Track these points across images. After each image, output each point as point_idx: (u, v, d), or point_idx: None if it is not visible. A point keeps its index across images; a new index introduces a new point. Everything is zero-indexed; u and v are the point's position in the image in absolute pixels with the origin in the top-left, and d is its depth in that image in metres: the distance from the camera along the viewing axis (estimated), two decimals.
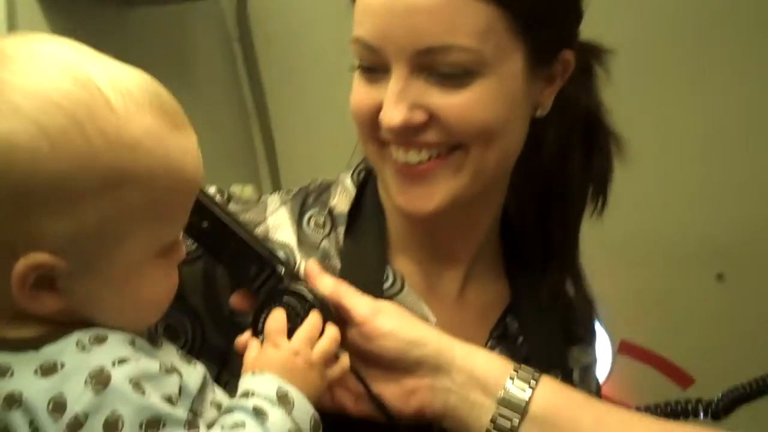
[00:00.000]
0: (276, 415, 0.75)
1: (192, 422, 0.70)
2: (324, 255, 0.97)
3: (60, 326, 0.70)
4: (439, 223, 0.97)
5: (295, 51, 2.35)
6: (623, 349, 2.28)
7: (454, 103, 0.89)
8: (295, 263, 0.96)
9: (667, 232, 2.23)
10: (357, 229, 1.00)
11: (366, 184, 1.03)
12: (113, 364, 0.68)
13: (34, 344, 0.69)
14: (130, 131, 0.68)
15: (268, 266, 0.90)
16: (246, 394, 0.76)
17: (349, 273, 0.95)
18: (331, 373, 0.83)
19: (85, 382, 0.66)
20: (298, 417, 0.76)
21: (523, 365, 0.89)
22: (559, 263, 1.08)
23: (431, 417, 0.89)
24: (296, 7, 2.30)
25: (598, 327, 1.16)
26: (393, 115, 0.88)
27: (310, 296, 0.87)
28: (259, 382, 0.77)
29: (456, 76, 0.88)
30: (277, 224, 0.98)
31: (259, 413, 0.74)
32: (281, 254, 0.92)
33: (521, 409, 0.85)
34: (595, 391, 1.13)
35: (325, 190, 1.03)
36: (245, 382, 0.78)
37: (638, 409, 1.61)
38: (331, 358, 0.85)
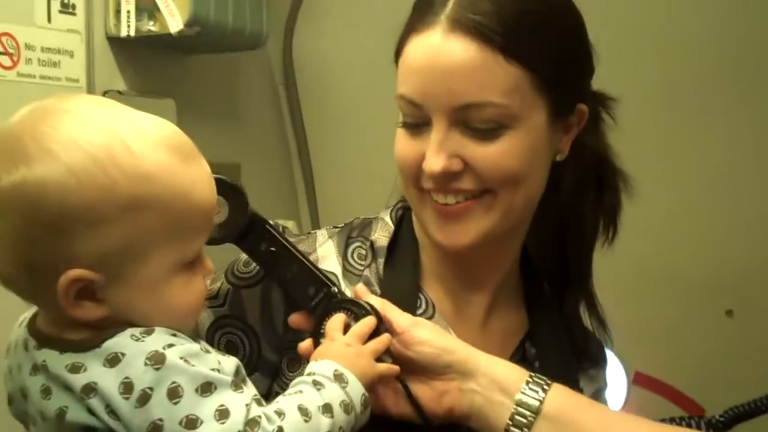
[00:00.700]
0: (332, 388, 0.86)
1: (236, 384, 0.81)
2: (366, 283, 1.05)
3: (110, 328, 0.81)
4: (469, 256, 1.04)
5: (334, 96, 2.45)
6: (638, 380, 2.28)
7: (487, 154, 0.97)
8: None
9: (678, 269, 2.24)
10: (394, 261, 1.08)
11: (403, 220, 1.11)
12: (164, 347, 0.79)
13: (95, 342, 0.80)
14: (144, 166, 0.79)
15: (325, 287, 0.99)
16: (308, 374, 0.87)
17: (387, 299, 1.01)
18: (380, 368, 0.92)
19: (145, 363, 0.77)
20: (351, 393, 0.86)
21: (537, 374, 0.98)
22: (574, 290, 1.16)
23: (459, 416, 0.98)
24: (336, 56, 2.41)
25: (613, 357, 1.23)
26: (434, 163, 0.97)
27: (365, 304, 0.97)
28: (319, 365, 0.88)
29: (488, 129, 0.97)
30: (325, 255, 1.07)
31: (317, 384, 0.85)
32: (333, 278, 1.02)
33: (535, 409, 0.95)
34: None
35: (367, 225, 1.11)
36: (307, 368, 0.89)
37: None
38: (380, 358, 0.95)
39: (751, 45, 2.16)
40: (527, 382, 0.97)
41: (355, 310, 0.97)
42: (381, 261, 1.07)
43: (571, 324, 1.16)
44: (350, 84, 2.42)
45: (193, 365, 0.79)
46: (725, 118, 2.20)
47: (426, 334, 0.98)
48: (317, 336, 0.96)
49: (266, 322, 1.03)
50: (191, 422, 0.77)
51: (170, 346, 0.79)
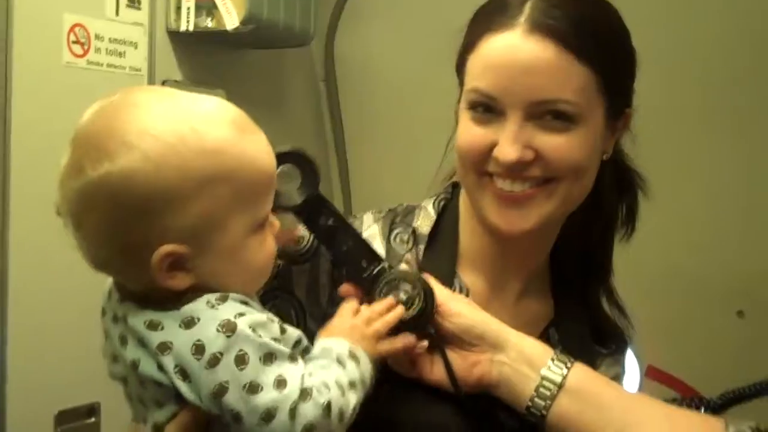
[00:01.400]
0: (351, 366, 0.92)
1: (293, 356, 0.87)
2: (414, 263, 1.12)
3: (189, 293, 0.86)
4: (516, 242, 1.10)
5: (372, 94, 2.53)
6: (650, 373, 2.29)
7: (557, 144, 1.04)
8: None
9: (691, 270, 2.28)
10: (434, 248, 1.14)
11: (445, 211, 1.17)
12: (235, 316, 0.84)
13: (176, 305, 0.86)
14: (210, 142, 0.85)
15: (377, 261, 1.05)
16: (327, 349, 0.93)
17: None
18: (386, 345, 0.98)
19: (217, 330, 0.83)
20: (364, 371, 0.93)
21: (561, 352, 1.04)
22: (597, 280, 1.22)
23: (487, 385, 1.03)
24: (377, 55, 2.51)
25: (631, 346, 1.25)
26: (509, 152, 1.03)
27: (414, 277, 1.03)
28: (335, 342, 0.94)
29: (559, 123, 1.03)
30: (370, 237, 1.13)
31: (340, 362, 0.91)
32: (382, 254, 1.09)
33: (559, 383, 1.00)
34: None
35: (410, 212, 1.18)
36: (325, 342, 0.94)
37: None
38: (422, 327, 1.01)
39: None
40: (552, 359, 1.03)
41: (405, 284, 1.03)
42: (421, 247, 1.14)
43: (594, 312, 1.22)
44: (389, 82, 2.50)
45: (259, 335, 0.85)
46: (741, 121, 2.24)
47: (462, 308, 1.05)
48: (372, 298, 1.03)
49: (312, 296, 1.10)
50: (253, 387, 0.83)
51: (241, 315, 0.85)
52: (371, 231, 1.16)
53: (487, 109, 1.05)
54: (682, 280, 2.31)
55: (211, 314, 0.85)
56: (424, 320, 1.03)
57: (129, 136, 0.83)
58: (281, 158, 1.01)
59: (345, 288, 1.05)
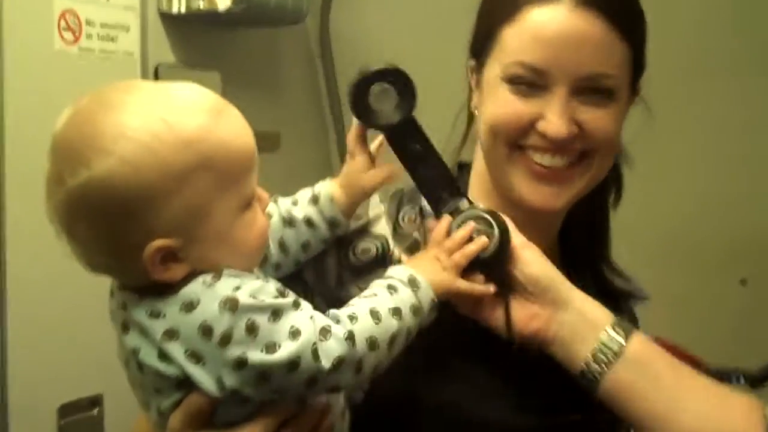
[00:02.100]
0: (404, 291, 0.94)
1: (296, 302, 0.89)
2: (415, 243, 1.12)
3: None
4: (538, 217, 1.11)
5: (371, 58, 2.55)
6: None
7: (599, 118, 1.06)
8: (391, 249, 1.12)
9: (695, 239, 2.31)
10: None
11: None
12: (233, 290, 0.86)
13: (173, 290, 0.87)
14: (186, 134, 0.85)
15: (459, 194, 1.06)
16: (385, 278, 0.96)
17: None
18: (460, 284, 0.99)
19: (219, 308, 0.85)
20: (422, 297, 0.95)
21: (621, 320, 1.04)
22: (600, 249, 1.25)
23: (543, 340, 1.03)
24: (372, 31, 2.49)
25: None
26: (559, 126, 1.04)
27: (490, 218, 1.03)
28: (397, 269, 0.98)
29: (602, 97, 1.06)
30: (376, 218, 1.15)
31: (391, 288, 0.94)
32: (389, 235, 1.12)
33: (617, 351, 1.00)
34: None
35: (416, 192, 1.15)
36: (388, 271, 0.98)
37: None
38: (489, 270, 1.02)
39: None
40: (613, 326, 1.03)
41: (481, 221, 1.03)
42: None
43: (601, 281, 1.24)
44: (385, 57, 2.49)
45: (262, 300, 0.87)
46: (738, 90, 2.26)
47: (534, 258, 1.05)
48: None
49: (320, 277, 1.10)
50: (271, 347, 0.85)
51: (237, 288, 0.87)
52: (377, 211, 1.16)
53: (530, 82, 1.06)
54: (683, 248, 2.33)
55: (210, 293, 0.87)
56: (499, 261, 1.03)
57: (103, 141, 0.84)
58: (379, 75, 1.04)
59: (431, 223, 1.08)
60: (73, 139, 0.86)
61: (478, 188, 1.17)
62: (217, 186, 0.88)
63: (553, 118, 1.05)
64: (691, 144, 2.28)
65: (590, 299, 1.06)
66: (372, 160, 1.07)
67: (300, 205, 1.07)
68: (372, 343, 0.90)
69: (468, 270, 1.02)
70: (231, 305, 0.85)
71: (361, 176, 1.06)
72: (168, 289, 0.88)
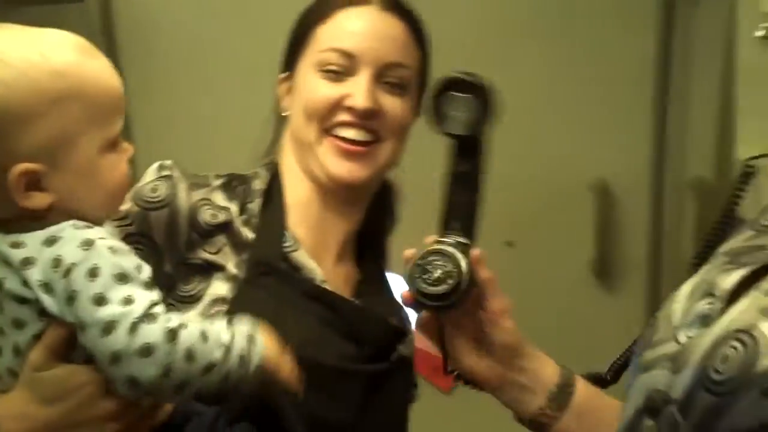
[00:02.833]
0: (240, 340, 0.98)
1: (148, 284, 0.94)
2: (250, 215, 1.25)
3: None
4: (344, 196, 1.29)
5: (153, 47, 2.52)
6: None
7: (395, 104, 1.27)
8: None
9: None
10: (268, 204, 1.28)
11: (275, 174, 1.32)
12: (98, 238, 0.93)
13: (40, 226, 0.93)
14: (59, 65, 0.93)
15: (461, 232, 1.11)
16: (232, 322, 1.00)
17: (263, 234, 1.24)
18: (284, 369, 1.03)
19: (77, 246, 0.92)
20: (252, 354, 0.98)
21: (569, 373, 1.17)
22: (381, 241, 1.44)
23: (490, 387, 1.18)
24: (155, 7, 2.49)
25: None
26: (365, 99, 1.23)
27: (466, 271, 1.07)
28: (245, 321, 1.02)
29: (398, 87, 1.27)
30: (216, 191, 1.25)
31: (231, 329, 0.98)
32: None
33: (561, 404, 1.15)
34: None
35: (247, 175, 1.31)
36: (236, 319, 1.02)
37: None
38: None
39: None
40: (561, 383, 1.16)
41: (449, 261, 1.06)
42: (259, 201, 1.28)
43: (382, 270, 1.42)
44: (171, 37, 2.51)
45: (118, 257, 0.93)
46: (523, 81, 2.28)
47: (512, 327, 1.16)
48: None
49: (171, 240, 1.19)
50: (99, 300, 0.90)
51: (103, 238, 0.93)
52: (215, 186, 1.27)
53: (340, 66, 1.25)
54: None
55: (74, 234, 0.93)
56: (450, 300, 1.08)
57: None
58: (465, 85, 1.08)
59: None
60: None
61: (290, 181, 1.31)
62: (85, 118, 0.95)
63: (359, 94, 1.24)
64: None
65: (544, 357, 1.19)
66: None
67: None
68: (189, 355, 0.92)
69: (424, 305, 1.08)
70: (86, 244, 0.92)
71: None
72: (36, 225, 0.93)
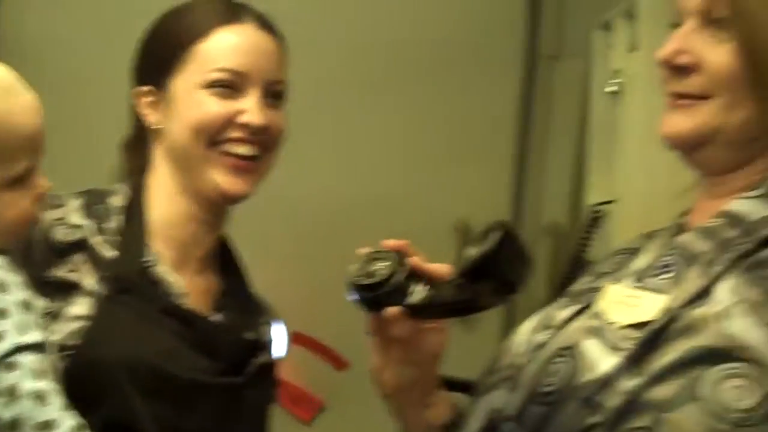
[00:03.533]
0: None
1: (28, 326, 0.98)
2: (108, 233, 1.27)
3: None
4: (211, 214, 1.32)
5: (45, 70, 2.36)
6: (296, 340, 2.44)
7: (278, 117, 1.32)
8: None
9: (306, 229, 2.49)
10: (129, 221, 1.30)
11: (135, 191, 1.33)
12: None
13: None
14: None
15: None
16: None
17: (122, 250, 1.26)
18: None
19: None
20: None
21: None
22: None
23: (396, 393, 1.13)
24: (43, 28, 2.46)
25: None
26: (260, 116, 1.28)
27: (400, 263, 1.06)
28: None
29: (278, 101, 1.33)
30: (72, 210, 1.27)
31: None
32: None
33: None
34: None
35: (105, 192, 1.33)
36: None
37: None
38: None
39: None
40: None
41: (387, 261, 1.07)
42: (118, 218, 1.30)
43: (250, 289, 1.43)
44: (58, 58, 2.47)
45: (8, 290, 0.98)
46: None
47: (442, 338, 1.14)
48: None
49: (26, 259, 1.18)
50: None
51: (1, 267, 0.97)
52: (72, 205, 1.28)
53: (229, 84, 1.29)
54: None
55: None
56: (383, 289, 1.06)
57: None
58: (504, 232, 1.04)
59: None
60: None
61: (158, 194, 1.32)
62: None
63: (254, 111, 1.28)
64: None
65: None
66: None
67: None
68: (13, 425, 0.94)
69: (361, 298, 1.07)
70: None
71: None
72: None
